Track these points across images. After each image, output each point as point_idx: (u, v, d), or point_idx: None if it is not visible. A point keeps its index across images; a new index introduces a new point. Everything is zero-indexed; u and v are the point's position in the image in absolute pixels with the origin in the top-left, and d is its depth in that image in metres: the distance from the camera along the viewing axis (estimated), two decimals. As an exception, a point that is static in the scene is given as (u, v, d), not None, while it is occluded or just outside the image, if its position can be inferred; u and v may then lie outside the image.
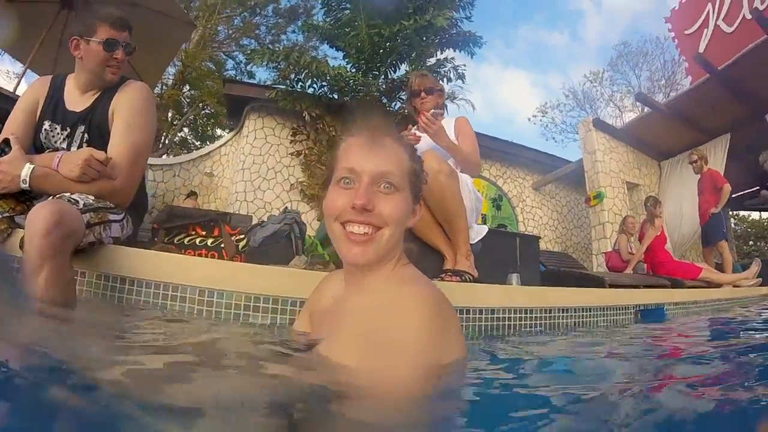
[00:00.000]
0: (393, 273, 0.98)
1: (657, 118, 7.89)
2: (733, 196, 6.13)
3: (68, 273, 1.42)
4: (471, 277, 2.27)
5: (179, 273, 1.72)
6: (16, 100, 1.95)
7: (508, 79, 53.45)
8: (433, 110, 2.40)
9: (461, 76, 7.74)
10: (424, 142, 2.42)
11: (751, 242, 19.89)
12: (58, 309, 1.32)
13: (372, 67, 7.50)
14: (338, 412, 0.71)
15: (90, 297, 1.67)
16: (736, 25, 7.74)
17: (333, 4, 7.44)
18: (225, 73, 18.96)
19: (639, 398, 0.89)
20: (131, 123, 1.86)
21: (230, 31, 20.03)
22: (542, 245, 9.36)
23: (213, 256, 2.05)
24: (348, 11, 7.33)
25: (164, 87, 17.60)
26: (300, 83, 7.54)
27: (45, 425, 0.57)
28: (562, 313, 2.39)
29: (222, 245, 2.07)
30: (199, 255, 2.05)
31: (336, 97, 7.60)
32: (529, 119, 29.85)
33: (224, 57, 20.51)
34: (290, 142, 8.35)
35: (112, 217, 1.74)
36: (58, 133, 1.89)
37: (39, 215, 1.31)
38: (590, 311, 2.57)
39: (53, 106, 1.91)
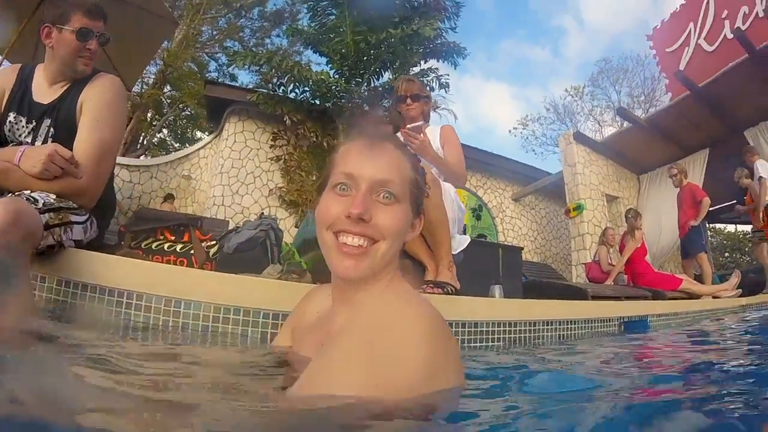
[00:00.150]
0: (387, 290, 0.90)
1: (637, 133, 8.05)
2: (710, 209, 6.22)
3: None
4: (453, 289, 2.20)
5: (144, 281, 1.61)
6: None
7: (490, 92, 54.18)
8: (412, 125, 2.33)
9: (444, 86, 7.75)
10: None
11: (726, 254, 20.42)
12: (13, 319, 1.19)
13: (355, 74, 7.46)
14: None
15: (49, 305, 1.55)
16: (717, 44, 7.98)
17: (318, 9, 7.39)
18: (207, 75, 18.69)
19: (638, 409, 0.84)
20: (99, 118, 1.74)
21: (214, 32, 19.77)
22: (522, 256, 9.39)
23: (182, 263, 1.93)
24: (333, 17, 7.29)
25: (145, 86, 17.27)
26: (282, 87, 7.46)
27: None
28: (547, 326, 2.34)
29: (192, 251, 1.96)
30: (168, 261, 1.93)
31: (318, 102, 7.54)
32: (509, 131, 30.29)
33: (207, 58, 20.24)
34: (270, 147, 8.23)
35: (74, 218, 1.62)
36: (23, 126, 1.77)
37: (-8, 214, 1.19)
38: (575, 324, 2.53)
39: (20, 97, 1.78)
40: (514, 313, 2.24)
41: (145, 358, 1.14)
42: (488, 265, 3.10)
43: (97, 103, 1.76)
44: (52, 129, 1.77)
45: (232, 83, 15.11)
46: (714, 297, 5.16)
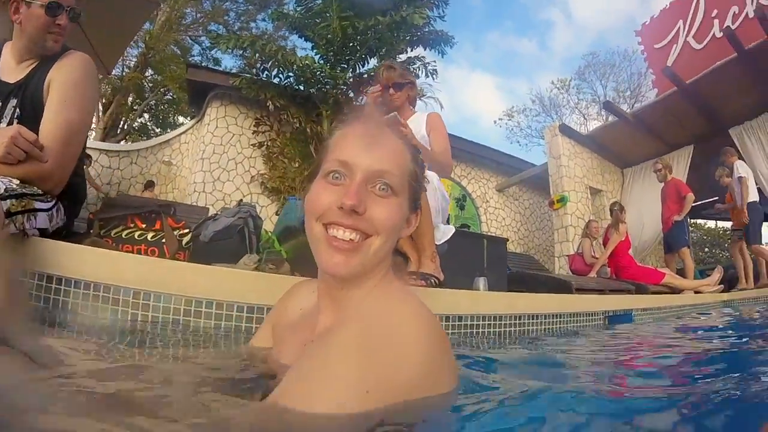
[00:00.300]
0: (377, 289, 0.83)
1: (622, 127, 8.10)
2: (693, 204, 6.30)
3: None
4: (437, 281, 2.15)
5: (111, 272, 1.52)
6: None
7: (475, 82, 54.24)
8: (389, 115, 2.25)
9: (431, 74, 7.66)
10: None
11: (706, 249, 20.81)
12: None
13: (341, 60, 7.31)
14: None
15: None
16: (705, 42, 8.03)
17: (305, -7, 7.21)
18: (190, 59, 18.29)
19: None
20: (67, 97, 1.64)
21: (198, 15, 19.29)
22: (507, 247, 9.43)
23: (153, 252, 1.83)
24: (320, 1, 7.12)
25: (126, 69, 16.85)
26: (266, 72, 7.29)
27: None
28: (532, 319, 2.31)
29: (164, 240, 1.86)
30: (138, 251, 1.83)
31: (302, 88, 7.39)
32: (495, 122, 30.35)
33: (190, 42, 19.78)
34: (253, 133, 8.10)
35: (38, 205, 1.53)
36: None
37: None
38: (560, 317, 2.50)
39: None
40: (499, 306, 2.20)
41: (110, 361, 1.05)
42: (473, 257, 3.06)
43: (64, 82, 1.66)
44: (18, 110, 1.66)
45: (215, 67, 14.81)
46: (696, 292, 5.23)
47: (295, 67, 6.93)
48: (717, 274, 5.53)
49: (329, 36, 7.05)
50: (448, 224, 2.69)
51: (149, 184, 8.52)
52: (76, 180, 1.77)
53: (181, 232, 1.94)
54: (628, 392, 1.01)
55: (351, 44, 7.20)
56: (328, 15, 6.97)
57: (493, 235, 9.38)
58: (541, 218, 11.61)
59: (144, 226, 1.89)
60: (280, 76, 7.34)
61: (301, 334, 0.89)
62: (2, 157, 1.41)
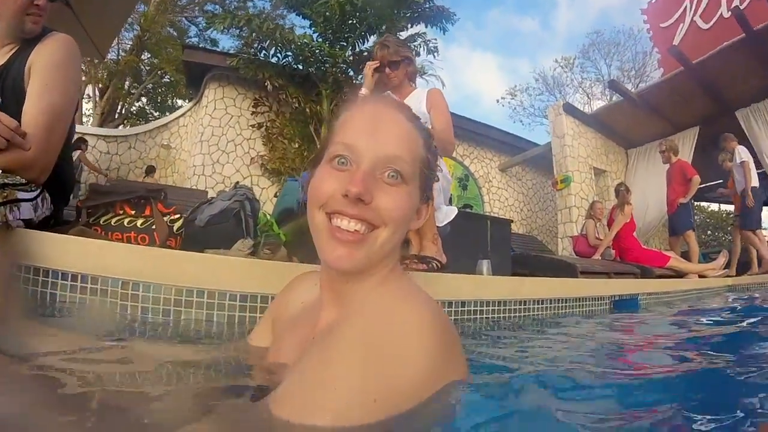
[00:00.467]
0: (383, 284, 0.76)
1: (627, 107, 7.94)
2: (703, 185, 6.22)
3: None
4: (438, 264, 2.08)
5: (98, 262, 1.45)
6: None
7: (476, 61, 53.56)
8: (385, 94, 2.16)
9: (433, 51, 7.51)
10: None
11: (709, 232, 20.71)
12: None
13: (340, 38, 7.18)
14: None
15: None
16: (712, 22, 7.84)
17: (303, -31, 7.04)
18: (187, 40, 18.02)
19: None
20: (49, 81, 1.55)
21: (193, -5, 18.97)
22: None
23: (143, 240, 1.76)
24: (317, -23, 6.95)
25: (122, 53, 16.62)
26: (263, 51, 7.16)
27: None
28: (537, 304, 2.24)
29: (153, 226, 1.79)
30: (128, 238, 1.76)
31: (301, 67, 7.29)
32: (497, 101, 29.90)
33: (187, 23, 19.47)
34: (251, 114, 8.01)
35: (21, 195, 1.45)
36: None
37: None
38: (566, 302, 2.44)
39: None
40: (503, 291, 2.13)
41: (97, 358, 0.98)
42: (476, 239, 2.99)
43: (46, 65, 1.57)
44: None
45: (212, 48, 14.60)
46: (701, 276, 5.16)
47: (293, 45, 6.84)
48: (722, 258, 5.46)
49: (327, 13, 6.92)
50: (451, 205, 2.61)
51: (150, 170, 8.48)
52: (62, 166, 1.69)
53: (172, 217, 1.86)
54: (631, 385, 0.97)
55: (350, 21, 7.07)
56: (325, -9, 6.82)
57: (497, 216, 9.31)
58: (544, 199, 11.54)
59: (133, 212, 1.81)
60: (278, 55, 7.25)
61: (301, 330, 0.83)
62: None
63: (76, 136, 6.85)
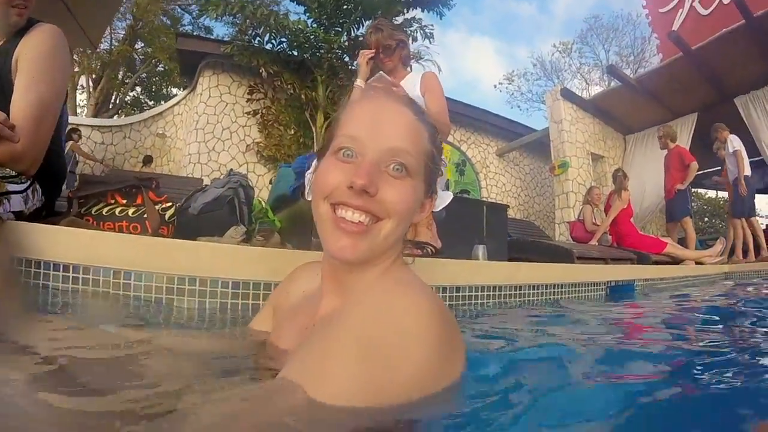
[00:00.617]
0: (385, 276, 0.77)
1: (625, 93, 7.89)
2: (699, 172, 6.22)
3: None
4: (433, 249, 2.07)
5: (90, 252, 1.45)
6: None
7: (474, 46, 53.15)
8: (371, 79, 2.13)
9: (429, 36, 7.43)
10: None
11: (706, 219, 20.70)
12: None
13: (334, 23, 7.10)
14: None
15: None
16: (712, 8, 7.74)
17: (296, -46, 6.94)
18: (181, 29, 17.82)
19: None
20: (36, 73, 1.54)
21: (186, -18, 18.71)
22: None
23: (135, 229, 1.75)
24: (310, -39, 6.85)
25: (115, 43, 16.44)
26: (258, 38, 7.08)
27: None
28: (533, 290, 2.24)
29: (145, 215, 1.78)
30: (120, 227, 1.75)
31: (295, 53, 7.21)
32: (495, 86, 29.78)
33: (180, 11, 19.23)
34: (247, 101, 7.94)
35: (11, 187, 1.45)
36: None
37: None
38: (562, 288, 2.44)
39: None
40: (499, 277, 2.13)
41: (95, 346, 0.98)
42: (472, 224, 2.98)
43: (33, 57, 1.55)
44: None
45: (207, 36, 14.45)
46: (698, 263, 5.17)
47: (287, 32, 6.77)
48: (719, 245, 5.48)
49: (321, -1, 6.83)
50: (447, 190, 2.59)
51: (147, 159, 8.45)
52: (53, 158, 1.67)
53: (164, 206, 1.85)
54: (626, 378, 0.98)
55: (345, 7, 6.98)
56: (319, -25, 6.74)
57: (494, 201, 9.30)
58: (541, 184, 11.52)
59: (125, 201, 1.80)
60: (273, 41, 7.18)
61: (302, 319, 0.85)
62: None
63: (69, 127, 6.81)
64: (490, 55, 52.29)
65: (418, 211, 0.79)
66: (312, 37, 6.80)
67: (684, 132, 7.70)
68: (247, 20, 6.84)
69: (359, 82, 2.38)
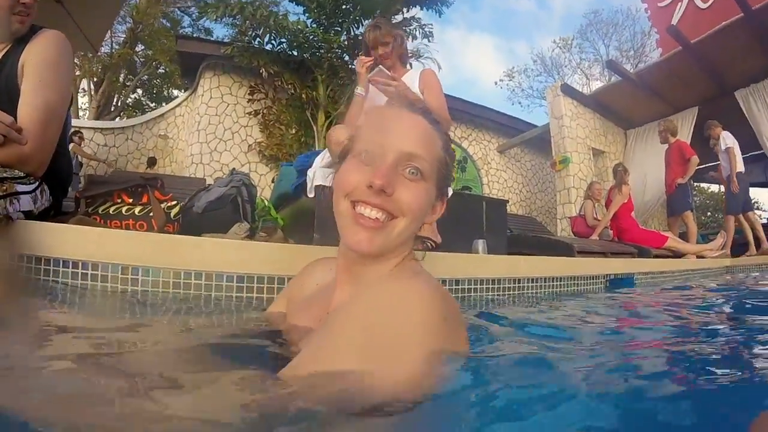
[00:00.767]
0: (396, 270, 0.85)
1: (625, 87, 7.88)
2: (698, 167, 6.22)
3: None
4: (433, 244, 2.10)
5: (98, 249, 1.49)
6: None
7: (473, 43, 53.04)
8: (372, 73, 2.15)
9: (428, 35, 7.45)
10: (382, 96, 2.18)
11: (709, 213, 20.66)
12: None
13: (334, 23, 7.13)
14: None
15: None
16: (711, 1, 7.70)
17: (295, -46, 6.97)
18: (181, 31, 17.88)
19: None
20: (42, 78, 1.58)
21: (185, -15, 18.76)
22: (507, 209, 9.40)
23: (141, 227, 1.80)
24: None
25: (115, 46, 16.50)
26: (257, 39, 7.12)
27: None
28: (532, 283, 2.27)
29: (151, 214, 1.82)
30: (127, 225, 1.79)
31: (295, 53, 7.26)
32: (495, 83, 29.81)
33: (180, 14, 19.29)
34: (248, 101, 7.99)
35: (20, 188, 1.49)
36: None
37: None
38: (561, 281, 2.47)
39: None
40: (499, 270, 2.16)
41: (106, 336, 1.02)
42: (472, 219, 3.00)
43: (39, 62, 1.59)
44: None
45: (207, 38, 14.50)
46: (698, 257, 5.19)
47: (287, 32, 6.81)
48: (720, 239, 5.48)
49: (320, -1, 6.86)
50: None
51: (151, 161, 8.50)
52: (60, 159, 1.72)
53: (169, 204, 1.90)
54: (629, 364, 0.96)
55: (343, 6, 7.02)
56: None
57: (493, 196, 9.33)
58: (543, 180, 11.53)
59: (131, 200, 1.84)
60: (273, 42, 7.22)
61: (316, 309, 0.91)
62: None
63: (72, 130, 6.87)
64: (490, 52, 52.27)
65: (429, 212, 0.87)
66: (311, 37, 6.85)
67: (685, 126, 7.69)
68: (247, 21, 6.88)
69: (359, 90, 2.40)
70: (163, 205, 1.89)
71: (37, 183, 1.58)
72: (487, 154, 10.76)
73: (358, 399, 0.59)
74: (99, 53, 12.47)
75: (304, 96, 7.36)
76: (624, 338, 1.41)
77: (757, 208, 21.93)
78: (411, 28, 7.37)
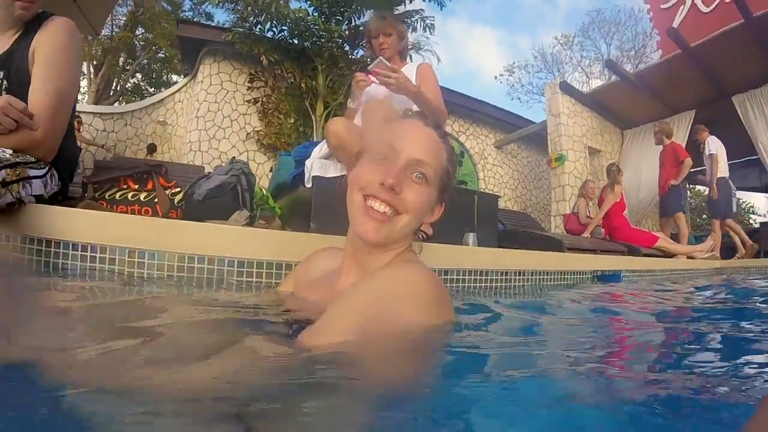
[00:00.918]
0: (396, 259, 0.98)
1: (624, 88, 7.92)
2: (692, 170, 6.34)
3: None
4: (425, 235, 2.18)
5: (105, 232, 1.56)
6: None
7: (476, 36, 52.72)
8: (373, 63, 2.20)
9: (429, 27, 7.47)
10: (382, 88, 2.23)
11: (704, 216, 20.76)
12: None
13: (335, 12, 7.14)
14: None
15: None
16: (713, 6, 7.72)
17: (297, -58, 6.94)
18: (182, 15, 17.73)
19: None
20: (52, 65, 1.64)
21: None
22: (502, 204, 9.48)
23: (147, 212, 1.87)
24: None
25: (116, 29, 16.39)
26: (259, 26, 7.11)
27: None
28: (519, 276, 2.36)
29: (156, 200, 1.90)
30: (132, 211, 1.87)
31: (296, 42, 7.23)
32: (495, 78, 29.73)
33: (181, -4, 19.12)
34: (247, 89, 7.97)
35: (32, 172, 1.56)
36: None
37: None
38: (548, 275, 2.55)
39: None
40: (486, 261, 2.25)
41: (118, 310, 1.11)
42: (463, 212, 3.08)
43: (49, 49, 1.65)
44: (5, 81, 1.65)
45: (207, 23, 14.40)
46: (689, 257, 5.28)
47: (288, 20, 6.78)
48: (710, 241, 5.60)
49: (322, -13, 6.86)
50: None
51: (152, 148, 8.48)
52: (67, 145, 1.78)
53: (173, 191, 1.97)
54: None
55: (345, -4, 7.00)
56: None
57: (485, 191, 9.41)
58: (539, 176, 11.59)
59: (136, 186, 1.92)
60: (274, 29, 7.19)
61: (321, 290, 1.05)
62: None
63: (73, 113, 6.88)
64: (491, 46, 52.04)
65: (429, 213, 0.99)
66: (312, 25, 6.84)
67: (681, 128, 7.75)
68: (248, 7, 6.86)
69: (351, 105, 2.41)
70: (167, 192, 1.97)
71: (47, 168, 1.64)
72: (484, 149, 10.80)
73: (367, 359, 0.72)
74: (99, 36, 12.40)
75: (303, 85, 7.37)
76: (601, 333, 1.40)
77: (753, 213, 22.21)
78: (413, 20, 7.39)
